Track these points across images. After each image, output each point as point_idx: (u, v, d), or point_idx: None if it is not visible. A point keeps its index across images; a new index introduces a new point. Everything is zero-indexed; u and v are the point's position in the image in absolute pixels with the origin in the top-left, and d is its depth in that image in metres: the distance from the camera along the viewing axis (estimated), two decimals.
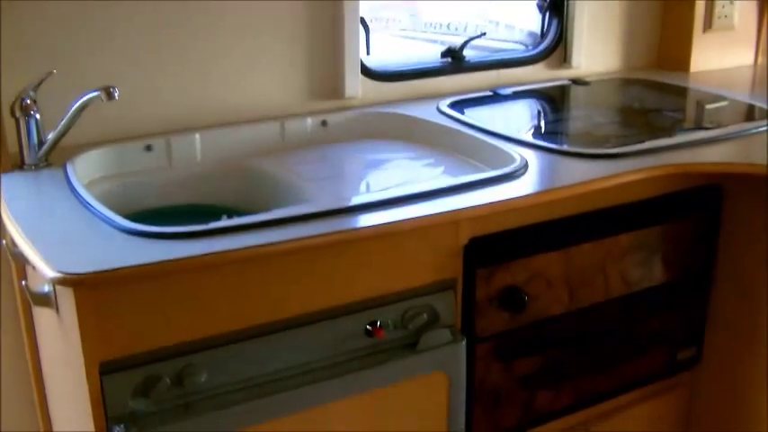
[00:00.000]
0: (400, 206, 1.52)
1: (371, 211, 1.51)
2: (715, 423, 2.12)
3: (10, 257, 1.66)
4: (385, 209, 1.51)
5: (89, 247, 1.37)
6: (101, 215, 1.46)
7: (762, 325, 1.96)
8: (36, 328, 1.81)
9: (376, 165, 1.89)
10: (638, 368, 1.96)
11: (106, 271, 1.27)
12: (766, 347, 1.97)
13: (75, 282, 1.26)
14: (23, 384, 1.92)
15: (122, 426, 1.34)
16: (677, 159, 1.78)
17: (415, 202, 1.54)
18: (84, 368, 1.32)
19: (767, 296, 1.94)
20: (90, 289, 1.29)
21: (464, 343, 1.62)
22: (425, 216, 1.50)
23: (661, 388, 2.06)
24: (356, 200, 1.58)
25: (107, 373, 1.34)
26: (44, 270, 1.29)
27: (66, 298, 1.32)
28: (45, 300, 1.47)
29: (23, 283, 1.58)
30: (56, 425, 1.89)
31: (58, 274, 1.26)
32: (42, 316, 1.68)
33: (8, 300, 1.84)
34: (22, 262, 1.67)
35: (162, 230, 1.40)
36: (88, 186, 1.63)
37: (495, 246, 1.63)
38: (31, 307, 1.80)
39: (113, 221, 1.43)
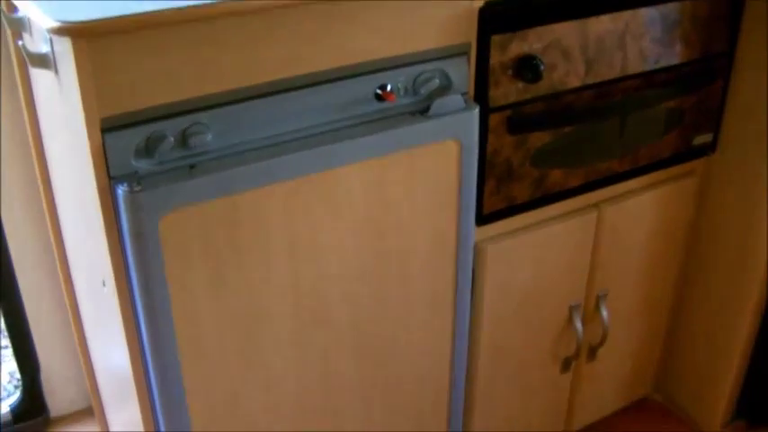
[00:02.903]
0: None
1: None
2: (726, 213, 2.10)
3: (6, 24, 1.60)
4: None
5: (89, 2, 1.30)
6: None
7: None
8: (35, 98, 1.77)
9: None
10: (653, 151, 1.93)
11: (106, 19, 1.21)
12: None
13: (74, 31, 1.21)
14: (24, 158, 1.91)
15: (125, 184, 1.31)
16: None
17: None
18: (85, 126, 1.28)
19: None
20: (90, 39, 1.23)
21: (477, 111, 1.58)
22: None
23: (674, 174, 2.04)
24: None
25: (109, 130, 1.29)
26: (43, 22, 1.23)
27: (65, 54, 1.27)
28: (43, 60, 1.41)
29: (20, 42, 1.53)
30: (58, 197, 1.87)
31: (57, 23, 1.20)
32: (41, 82, 1.63)
33: (5, 70, 1.79)
34: (18, 28, 1.61)
35: None
36: None
37: (512, 11, 1.57)
38: (29, 78, 1.75)
39: None
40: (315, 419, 1.71)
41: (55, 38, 1.31)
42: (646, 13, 1.73)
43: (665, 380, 2.44)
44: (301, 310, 1.57)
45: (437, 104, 1.53)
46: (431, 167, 1.58)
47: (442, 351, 1.81)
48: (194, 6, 1.26)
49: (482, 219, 1.73)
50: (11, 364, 2.55)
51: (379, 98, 1.49)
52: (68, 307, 2.13)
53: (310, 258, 1.53)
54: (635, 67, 1.77)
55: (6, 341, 2.51)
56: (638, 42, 1.74)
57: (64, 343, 2.29)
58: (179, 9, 1.25)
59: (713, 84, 1.94)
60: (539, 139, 1.71)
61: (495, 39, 1.56)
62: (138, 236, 1.35)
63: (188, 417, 1.54)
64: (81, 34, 1.21)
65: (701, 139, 2.00)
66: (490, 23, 1.55)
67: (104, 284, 1.52)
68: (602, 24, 1.68)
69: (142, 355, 1.48)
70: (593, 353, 2.13)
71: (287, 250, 1.50)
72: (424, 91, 1.52)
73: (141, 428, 1.58)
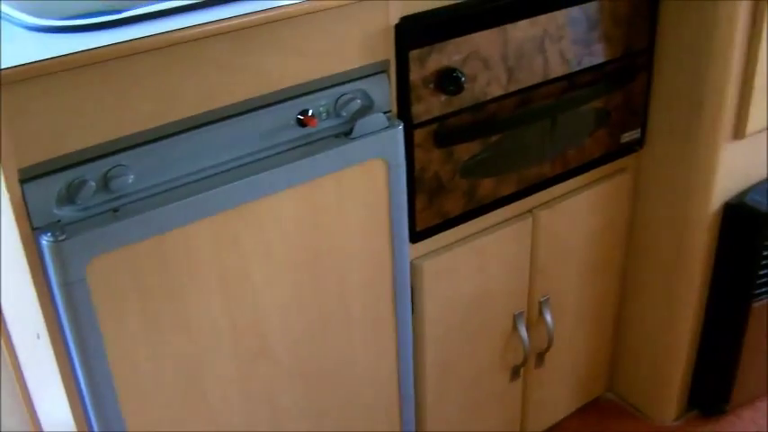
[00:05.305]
0: None
1: None
2: (660, 208, 2.11)
3: None
4: None
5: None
6: (3, 15, 1.37)
7: (703, 103, 1.92)
8: None
9: None
10: (583, 152, 1.93)
11: (15, 67, 1.18)
12: (709, 125, 1.93)
13: None
14: None
15: (50, 234, 1.28)
16: None
17: None
18: (2, 178, 1.25)
19: None
20: (2, 88, 1.20)
21: (401, 128, 1.56)
22: None
23: (606, 173, 2.04)
24: None
25: (28, 180, 1.26)
26: None
27: None
28: None
29: None
30: None
31: None
32: None
33: None
34: None
35: (72, 23, 1.31)
36: None
37: (428, 25, 1.56)
38: None
39: (17, 20, 1.34)
40: None
41: None
42: (563, 15, 1.73)
43: (617, 378, 2.45)
44: (240, 344, 1.54)
45: (360, 125, 1.52)
46: (359, 189, 1.57)
47: (388, 372, 1.80)
48: (104, 47, 1.24)
49: (416, 236, 1.72)
50: None
51: (301, 123, 1.47)
52: (10, 364, 2.08)
53: (245, 292, 1.51)
54: (557, 70, 1.77)
55: None
56: (558, 45, 1.75)
57: (11, 401, 2.24)
58: (89, 51, 1.23)
59: (636, 80, 1.94)
60: (466, 150, 1.70)
61: (414, 54, 1.55)
62: (67, 285, 1.32)
63: None
64: None
65: (630, 135, 2.01)
66: (407, 39, 1.54)
67: (38, 337, 1.48)
68: (521, 30, 1.67)
69: (83, 405, 1.45)
70: (540, 358, 2.13)
71: (220, 286, 1.47)
72: (345, 113, 1.51)
73: None
